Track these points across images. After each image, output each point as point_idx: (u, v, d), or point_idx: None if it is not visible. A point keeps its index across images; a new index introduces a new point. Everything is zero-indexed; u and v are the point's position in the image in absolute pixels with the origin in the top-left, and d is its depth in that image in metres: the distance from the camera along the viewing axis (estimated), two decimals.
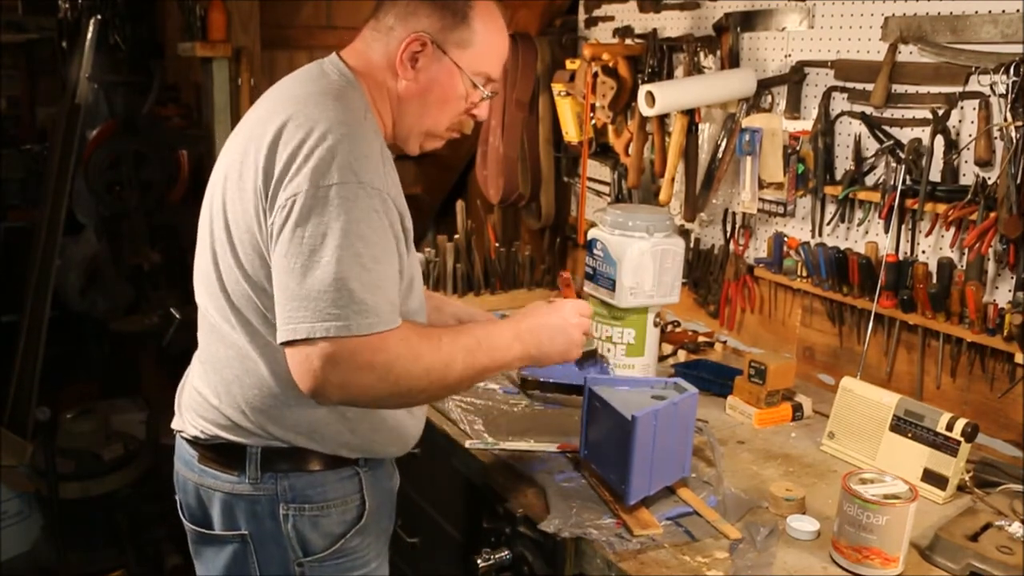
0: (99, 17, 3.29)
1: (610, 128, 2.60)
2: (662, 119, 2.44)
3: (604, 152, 2.71)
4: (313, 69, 1.44)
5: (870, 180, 1.98)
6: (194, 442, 1.48)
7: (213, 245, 1.40)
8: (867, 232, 2.01)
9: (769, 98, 2.21)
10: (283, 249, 1.25)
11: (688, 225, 2.50)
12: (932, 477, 1.62)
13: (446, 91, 1.43)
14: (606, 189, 2.79)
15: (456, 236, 2.70)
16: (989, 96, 1.73)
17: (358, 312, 1.23)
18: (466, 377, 1.38)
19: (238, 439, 1.41)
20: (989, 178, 1.74)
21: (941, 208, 1.80)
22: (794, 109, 2.14)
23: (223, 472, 1.43)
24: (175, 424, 1.53)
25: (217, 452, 1.44)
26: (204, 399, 1.45)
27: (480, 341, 1.40)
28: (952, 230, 1.80)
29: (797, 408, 1.96)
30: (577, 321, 1.52)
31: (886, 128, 1.94)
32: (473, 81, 1.44)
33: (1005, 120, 1.68)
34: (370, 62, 1.43)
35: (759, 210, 2.24)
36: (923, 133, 1.86)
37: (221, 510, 1.45)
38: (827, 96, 2.06)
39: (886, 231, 1.92)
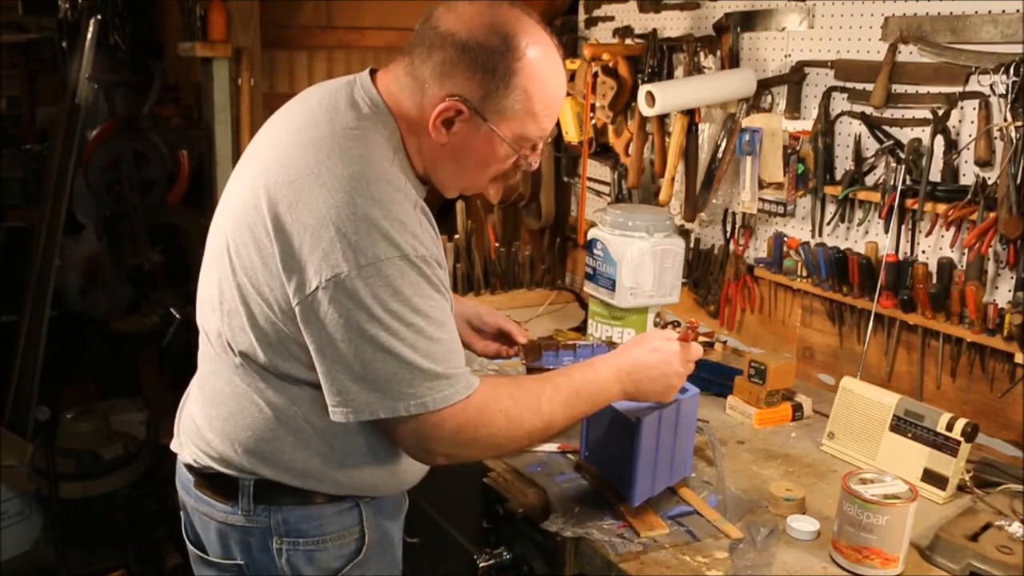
0: (99, 17, 3.29)
1: (610, 128, 2.60)
2: (662, 119, 2.44)
3: (604, 152, 2.71)
4: (342, 95, 1.31)
5: (870, 180, 1.98)
6: (190, 468, 1.43)
7: (220, 284, 1.32)
8: (867, 232, 2.01)
9: (769, 98, 2.21)
10: (337, 333, 1.18)
11: (688, 225, 2.50)
12: (932, 477, 1.62)
13: (484, 157, 1.31)
14: (606, 189, 2.79)
15: (456, 236, 2.70)
16: (989, 96, 1.73)
17: (431, 388, 1.20)
18: (566, 426, 1.36)
19: (229, 472, 1.36)
20: (989, 178, 1.74)
21: (941, 208, 1.80)
22: (794, 109, 2.14)
23: (217, 501, 1.38)
24: (174, 446, 1.49)
25: (211, 481, 1.39)
26: (198, 428, 1.40)
27: (579, 391, 1.35)
28: (952, 230, 1.80)
29: (797, 408, 1.96)
30: (683, 371, 1.45)
31: (886, 128, 1.94)
32: (515, 147, 1.31)
33: (1005, 120, 1.68)
34: (401, 105, 1.30)
35: (759, 210, 2.24)
36: (923, 133, 1.86)
37: (216, 538, 1.41)
38: (827, 96, 2.06)
39: (886, 231, 1.92)
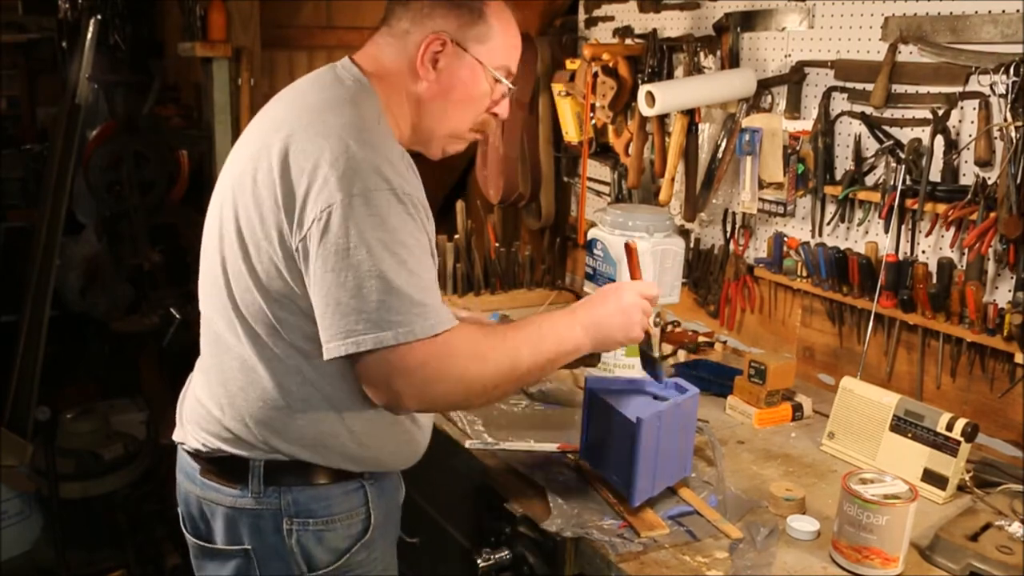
0: (99, 17, 3.29)
1: (610, 128, 2.60)
2: (662, 119, 2.44)
3: (604, 152, 2.71)
4: (327, 74, 1.41)
5: (870, 180, 1.98)
6: (196, 455, 1.45)
7: (223, 252, 1.37)
8: (867, 232, 2.01)
9: (769, 98, 2.21)
10: (328, 263, 1.23)
11: (688, 225, 2.50)
12: (932, 477, 1.62)
13: (469, 89, 1.42)
14: (606, 189, 2.79)
15: (456, 236, 2.71)
16: (989, 96, 1.73)
17: (419, 315, 1.23)
18: (535, 367, 1.37)
19: (241, 452, 1.38)
20: (989, 178, 1.74)
21: (941, 208, 1.80)
22: (794, 109, 2.14)
23: (226, 486, 1.41)
24: (176, 435, 1.50)
25: (219, 465, 1.42)
26: (207, 411, 1.42)
27: (543, 330, 1.39)
28: (952, 230, 1.80)
29: (797, 408, 1.96)
30: (635, 301, 1.47)
31: (886, 128, 1.94)
32: (495, 75, 1.43)
33: (1005, 120, 1.68)
34: (384, 67, 1.41)
35: (759, 210, 2.24)
36: (923, 133, 1.86)
37: (224, 524, 1.42)
38: (827, 96, 2.06)
39: (886, 231, 1.92)
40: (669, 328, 2.43)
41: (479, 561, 1.61)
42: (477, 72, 1.41)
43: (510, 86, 1.46)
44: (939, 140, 1.82)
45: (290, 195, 1.26)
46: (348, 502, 1.42)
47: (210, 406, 1.42)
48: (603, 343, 1.46)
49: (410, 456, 1.50)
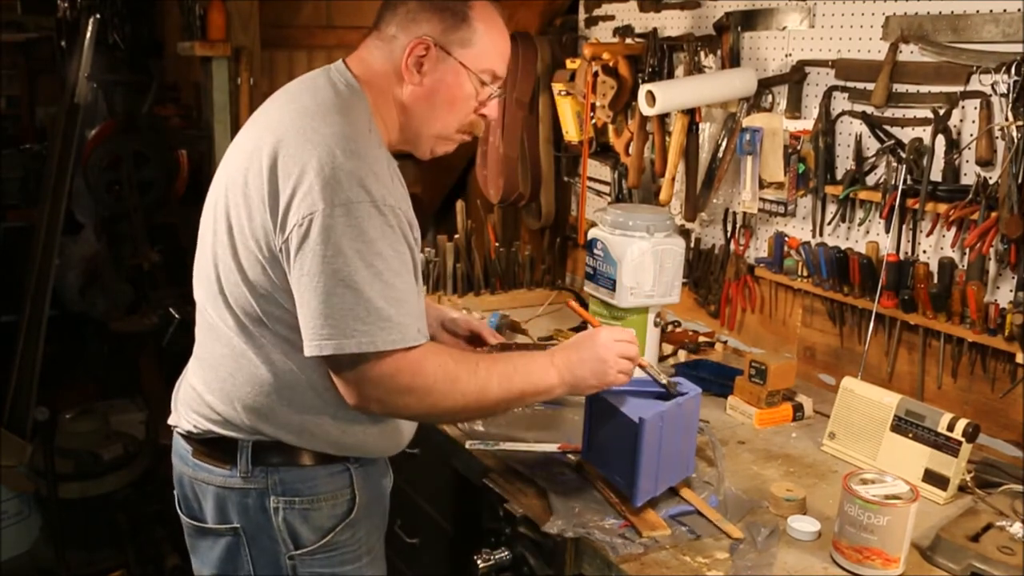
0: (98, 16, 3.29)
1: (610, 128, 2.60)
2: (662, 119, 2.43)
3: (604, 152, 2.71)
4: (320, 78, 1.45)
5: (871, 180, 1.98)
6: (188, 437, 1.51)
7: (214, 247, 1.43)
8: (868, 232, 2.00)
9: (770, 97, 2.21)
10: (305, 267, 1.29)
11: (688, 225, 2.49)
12: (933, 477, 1.62)
13: (453, 91, 1.45)
14: (606, 189, 2.79)
15: (456, 236, 2.70)
16: (990, 95, 1.73)
17: (383, 328, 1.29)
18: (503, 400, 1.43)
19: (230, 433, 1.43)
20: (990, 178, 1.74)
21: (942, 208, 1.80)
22: (795, 109, 2.14)
23: (215, 466, 1.46)
24: (171, 420, 1.56)
25: (210, 446, 1.47)
26: (198, 394, 1.48)
27: (517, 367, 1.44)
28: (953, 230, 1.79)
29: (798, 408, 1.96)
30: (611, 346, 1.50)
31: (887, 128, 1.94)
32: (480, 78, 1.45)
33: (1006, 119, 1.68)
34: (374, 71, 1.44)
35: (760, 210, 2.23)
36: (924, 133, 1.86)
37: (214, 504, 1.48)
38: (828, 96, 2.06)
39: (887, 231, 1.92)
40: (669, 328, 2.43)
41: (479, 561, 1.61)
42: (461, 75, 1.44)
43: (494, 90, 1.48)
44: (940, 140, 1.82)
45: (276, 198, 1.31)
46: (333, 483, 1.47)
47: (201, 390, 1.47)
48: (576, 387, 1.49)
49: (393, 445, 1.54)
